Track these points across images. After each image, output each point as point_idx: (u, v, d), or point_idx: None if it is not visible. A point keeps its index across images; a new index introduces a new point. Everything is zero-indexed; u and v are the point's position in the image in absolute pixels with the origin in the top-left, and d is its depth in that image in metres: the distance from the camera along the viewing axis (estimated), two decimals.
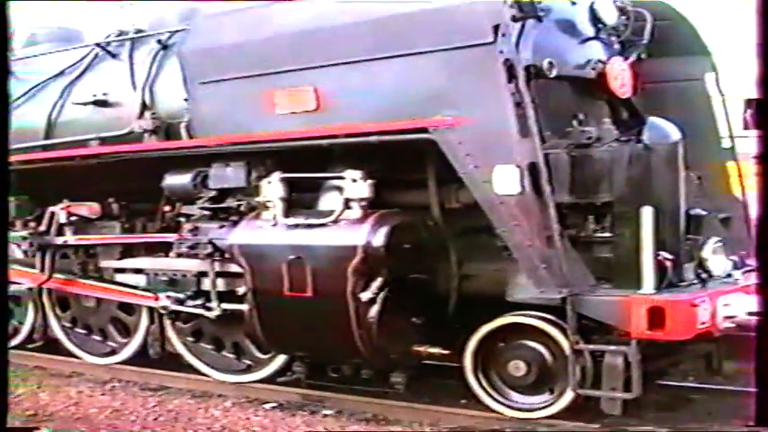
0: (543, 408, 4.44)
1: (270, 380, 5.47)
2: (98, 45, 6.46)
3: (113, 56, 6.33)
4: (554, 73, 4.30)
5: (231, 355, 5.61)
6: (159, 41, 5.98)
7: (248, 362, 5.54)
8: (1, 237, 3.97)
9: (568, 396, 4.32)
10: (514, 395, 4.56)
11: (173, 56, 5.73)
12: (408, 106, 4.39)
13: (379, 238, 4.45)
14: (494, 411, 4.59)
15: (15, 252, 6.72)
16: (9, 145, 4.07)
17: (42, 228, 6.26)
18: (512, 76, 4.08)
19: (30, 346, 6.87)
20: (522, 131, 4.07)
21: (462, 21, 4.25)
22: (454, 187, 4.58)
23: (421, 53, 4.37)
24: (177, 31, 5.84)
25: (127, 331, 6.21)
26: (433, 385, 5.23)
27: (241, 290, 5.04)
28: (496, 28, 4.10)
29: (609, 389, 4.11)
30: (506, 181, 4.11)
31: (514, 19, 4.15)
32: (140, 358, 6.17)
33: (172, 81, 5.65)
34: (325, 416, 5.07)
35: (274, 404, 5.33)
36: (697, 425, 4.62)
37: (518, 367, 4.44)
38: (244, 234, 4.98)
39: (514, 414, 4.52)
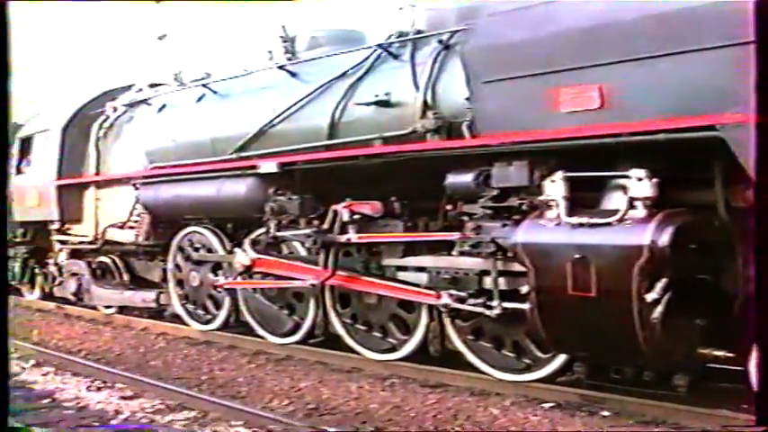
0: None
1: (549, 379, 6.84)
2: (380, 46, 8.25)
3: (395, 57, 8.07)
4: None
5: (511, 354, 7.06)
6: (440, 41, 7.58)
7: (528, 361, 6.95)
8: (1, 235, 4.80)
9: None
10: None
11: (454, 55, 7.28)
12: (694, 103, 5.41)
13: (665, 238, 5.51)
14: None
15: (299, 249, 8.77)
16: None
17: (326, 226, 8.09)
18: None
19: (311, 341, 8.92)
20: None
21: (750, 15, 5.25)
22: (741, 186, 5.63)
23: (707, 49, 5.36)
24: (458, 30, 7.38)
25: (407, 328, 7.91)
26: (715, 389, 6.31)
27: (523, 289, 6.37)
28: None
29: None
30: None
31: None
32: (419, 355, 7.83)
33: (454, 80, 7.18)
34: (604, 417, 6.31)
35: (553, 404, 6.66)
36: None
37: None
38: (527, 233, 6.27)
39: None
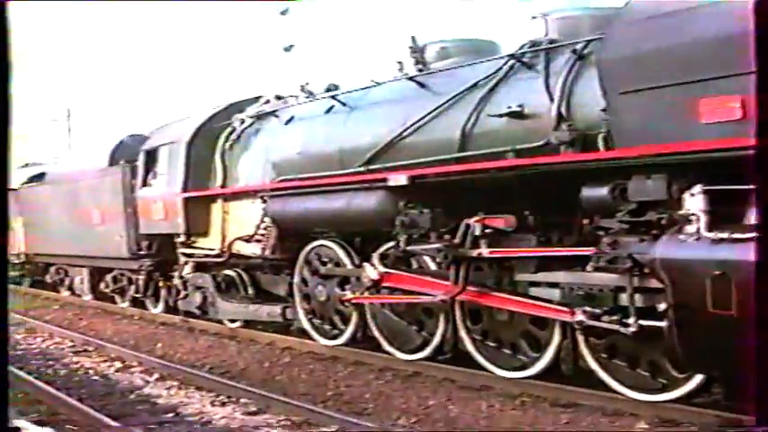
0: None
1: (686, 400, 7.05)
2: (512, 56, 8.65)
3: (528, 67, 8.45)
4: None
5: (646, 374, 7.30)
6: (574, 51, 7.92)
7: (664, 380, 7.17)
8: (1, 234, 4.63)
9: None
10: None
11: (590, 65, 7.61)
12: None
13: None
14: None
15: (429, 264, 9.19)
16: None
17: (457, 240, 8.48)
18: None
19: (440, 357, 9.34)
20: None
21: None
22: None
23: None
24: (593, 39, 7.71)
25: (538, 346, 8.25)
26: None
27: (661, 306, 6.66)
28: None
29: None
30: None
31: None
32: (551, 373, 8.15)
33: (589, 91, 7.51)
34: None
35: (689, 426, 6.84)
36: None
37: None
38: (666, 248, 6.51)
39: None
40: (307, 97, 11.92)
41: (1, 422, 4.63)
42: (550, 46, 8.35)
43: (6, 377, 4.77)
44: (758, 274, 4.84)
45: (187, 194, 13.41)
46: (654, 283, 6.81)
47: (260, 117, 12.81)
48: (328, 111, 10.94)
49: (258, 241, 11.88)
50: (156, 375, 10.10)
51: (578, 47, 7.93)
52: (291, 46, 15.05)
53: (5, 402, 4.67)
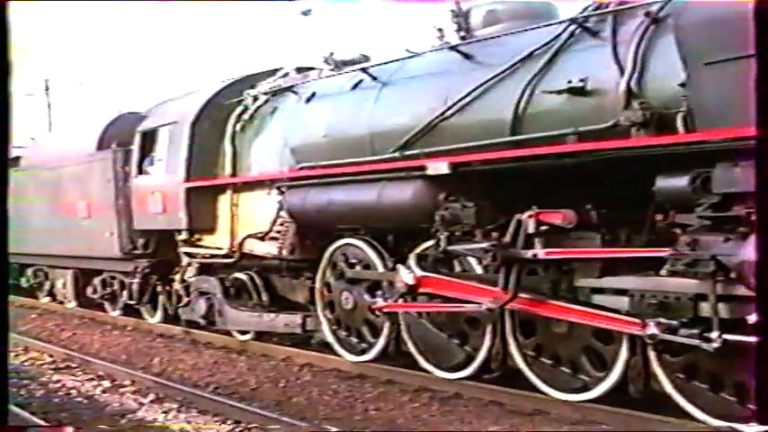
0: None
1: None
2: (573, 21, 8.58)
3: (593, 34, 8.38)
4: None
5: (732, 398, 7.23)
6: (648, 14, 7.82)
7: (753, 407, 7.09)
8: (1, 233, 5.05)
9: None
10: None
11: (667, 31, 7.50)
12: None
13: None
14: None
15: (474, 266, 9.17)
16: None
17: (507, 239, 8.43)
18: None
19: (485, 376, 9.32)
20: None
21: None
22: None
23: None
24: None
25: (602, 363, 8.20)
26: None
27: (751, 318, 6.56)
28: None
29: None
30: None
31: None
32: (617, 396, 8.09)
33: (666, 62, 7.43)
34: None
35: None
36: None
37: None
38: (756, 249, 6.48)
39: None
40: (331, 70, 11.91)
41: (1, 422, 4.92)
42: (619, 8, 8.27)
43: (6, 377, 5.10)
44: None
45: (190, 184, 13.43)
46: (742, 291, 6.76)
47: (276, 93, 12.84)
48: (356, 86, 10.93)
49: (274, 239, 11.93)
50: (151, 396, 10.13)
51: (653, 9, 7.83)
52: (310, 10, 15.02)
53: (5, 402, 4.98)
